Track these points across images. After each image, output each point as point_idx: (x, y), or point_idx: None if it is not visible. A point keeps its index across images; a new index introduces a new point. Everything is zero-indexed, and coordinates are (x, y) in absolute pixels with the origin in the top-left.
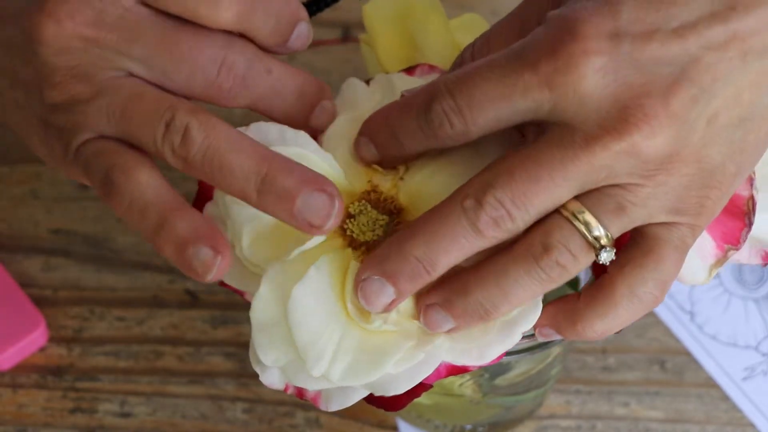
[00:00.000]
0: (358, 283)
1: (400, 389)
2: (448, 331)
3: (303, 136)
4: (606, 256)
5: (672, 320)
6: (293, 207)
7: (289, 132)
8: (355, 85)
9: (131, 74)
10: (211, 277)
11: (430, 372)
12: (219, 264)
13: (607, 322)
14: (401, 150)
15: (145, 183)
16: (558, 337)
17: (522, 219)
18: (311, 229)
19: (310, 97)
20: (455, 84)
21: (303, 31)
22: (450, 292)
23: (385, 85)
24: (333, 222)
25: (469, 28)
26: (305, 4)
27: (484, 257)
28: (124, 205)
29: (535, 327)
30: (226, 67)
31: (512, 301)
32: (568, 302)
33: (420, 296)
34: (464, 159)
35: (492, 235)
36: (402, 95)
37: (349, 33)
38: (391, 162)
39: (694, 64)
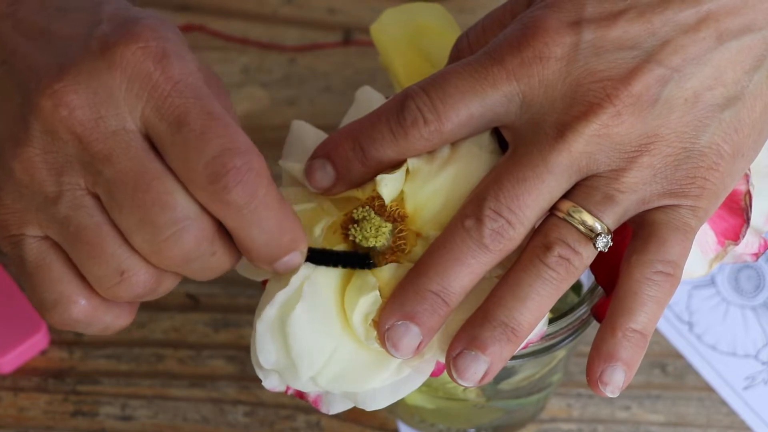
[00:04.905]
0: (383, 334)
1: (381, 404)
2: (483, 378)
3: None
4: (603, 243)
5: (670, 331)
6: None
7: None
8: (369, 93)
9: (94, 195)
10: None
11: (414, 389)
12: None
13: (637, 316)
14: (365, 162)
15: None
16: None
17: (521, 222)
18: None
19: None
20: (429, 83)
21: (292, 261)
22: (471, 328)
23: None
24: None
25: None
26: (315, 252)
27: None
28: (60, 326)
29: (591, 375)
30: (176, 236)
31: (532, 309)
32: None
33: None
34: (469, 172)
35: (497, 247)
36: None
37: (350, 36)
38: (348, 183)
39: (662, 47)
